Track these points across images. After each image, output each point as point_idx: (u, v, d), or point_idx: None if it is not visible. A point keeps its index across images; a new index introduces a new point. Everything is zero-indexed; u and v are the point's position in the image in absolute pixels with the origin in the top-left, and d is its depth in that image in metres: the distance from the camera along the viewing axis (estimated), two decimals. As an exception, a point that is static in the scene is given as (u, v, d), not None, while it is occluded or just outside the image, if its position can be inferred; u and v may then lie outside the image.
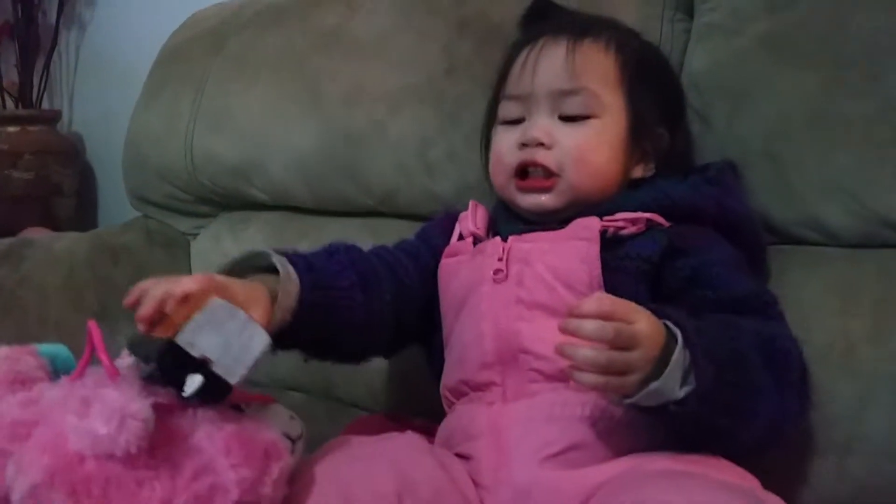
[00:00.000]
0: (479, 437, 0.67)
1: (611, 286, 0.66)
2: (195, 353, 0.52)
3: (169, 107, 1.19)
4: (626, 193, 0.74)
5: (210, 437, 0.53)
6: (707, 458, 0.62)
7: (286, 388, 1.03)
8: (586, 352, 0.56)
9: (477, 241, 0.76)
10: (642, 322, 0.57)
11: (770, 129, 0.81)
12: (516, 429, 0.65)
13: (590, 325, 0.56)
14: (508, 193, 0.77)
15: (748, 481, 0.62)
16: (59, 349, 0.72)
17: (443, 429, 0.72)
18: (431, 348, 0.79)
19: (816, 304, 0.76)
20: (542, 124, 0.74)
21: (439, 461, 0.65)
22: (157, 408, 0.52)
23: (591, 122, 0.74)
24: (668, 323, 0.59)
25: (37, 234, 1.53)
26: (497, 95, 0.80)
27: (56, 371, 0.68)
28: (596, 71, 0.74)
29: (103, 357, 0.55)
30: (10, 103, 1.65)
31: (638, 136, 0.75)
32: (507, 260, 0.71)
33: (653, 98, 0.77)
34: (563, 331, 0.57)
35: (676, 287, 0.68)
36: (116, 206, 1.29)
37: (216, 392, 0.53)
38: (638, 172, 0.76)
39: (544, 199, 0.74)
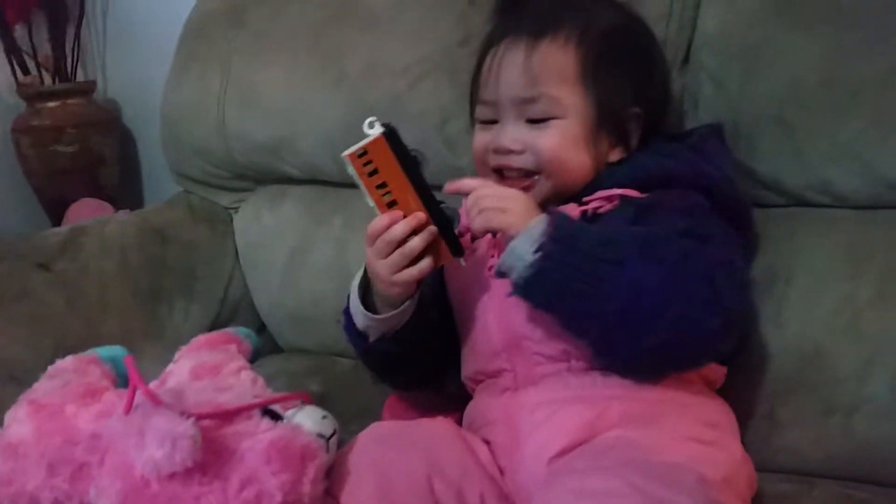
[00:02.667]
0: (496, 423, 0.73)
1: None
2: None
3: (198, 85, 1.22)
4: (604, 173, 0.77)
5: (251, 448, 0.61)
6: (669, 412, 0.67)
7: (334, 355, 1.11)
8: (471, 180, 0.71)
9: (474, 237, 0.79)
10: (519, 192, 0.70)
11: (782, 92, 0.83)
12: (526, 414, 0.71)
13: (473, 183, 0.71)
14: None
15: (714, 430, 0.68)
16: (117, 351, 0.80)
17: (467, 414, 0.79)
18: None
19: (826, 269, 0.79)
20: (511, 132, 0.76)
21: (467, 445, 0.72)
22: (201, 426, 0.59)
23: (556, 123, 0.75)
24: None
25: (88, 208, 1.61)
26: (473, 94, 0.83)
27: (118, 373, 0.76)
28: (554, 73, 0.75)
29: (144, 389, 0.61)
30: (47, 78, 1.68)
31: (607, 124, 0.76)
32: (498, 254, 0.73)
33: (622, 81, 0.77)
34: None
35: None
36: (158, 169, 1.34)
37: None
38: (615, 156, 0.78)
39: None
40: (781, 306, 0.80)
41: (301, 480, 0.61)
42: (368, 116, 1.07)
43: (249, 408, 0.64)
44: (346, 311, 0.80)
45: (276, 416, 0.66)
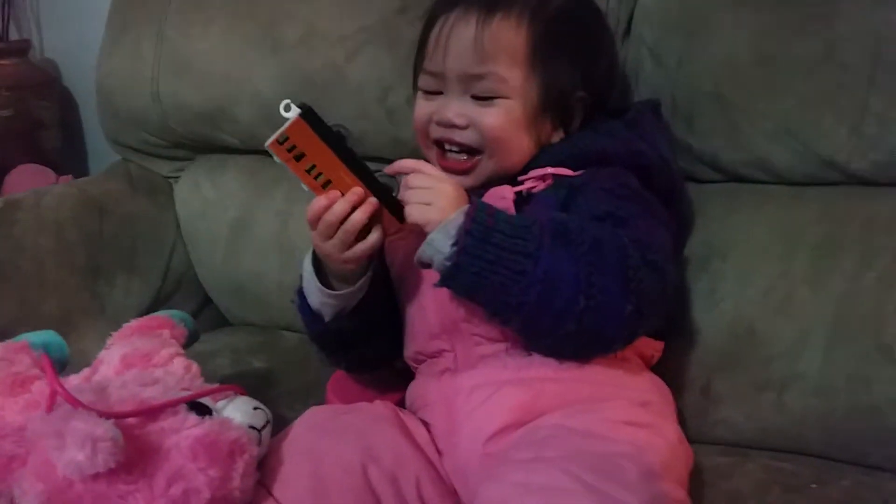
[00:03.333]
0: (434, 405, 0.74)
1: None
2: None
3: (132, 53, 1.17)
4: (540, 153, 0.76)
5: (177, 445, 0.60)
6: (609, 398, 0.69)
7: (281, 329, 1.10)
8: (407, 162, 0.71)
9: None
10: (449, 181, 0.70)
11: (719, 69, 0.82)
12: (463, 397, 0.72)
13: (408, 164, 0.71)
14: (430, 160, 0.79)
15: (649, 411, 0.69)
16: (48, 336, 0.78)
17: (409, 394, 0.79)
18: None
19: (761, 248, 0.80)
20: (455, 106, 0.75)
21: (404, 428, 0.72)
22: (121, 425, 0.58)
23: (501, 102, 0.74)
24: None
25: (28, 175, 1.56)
26: (417, 62, 0.80)
27: (53, 359, 0.72)
28: (504, 52, 0.73)
29: (62, 392, 0.60)
30: (-23, 38, 1.61)
31: (552, 107, 0.75)
32: None
33: (569, 66, 0.76)
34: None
35: None
36: (100, 131, 1.30)
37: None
38: (556, 137, 0.77)
39: (464, 180, 0.75)
40: (717, 283, 0.81)
41: (230, 476, 0.61)
42: (305, 85, 1.06)
43: (174, 403, 0.63)
44: (300, 292, 0.79)
45: (204, 410, 0.65)
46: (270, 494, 0.65)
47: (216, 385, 0.69)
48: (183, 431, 0.61)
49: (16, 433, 0.63)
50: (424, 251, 0.67)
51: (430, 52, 0.76)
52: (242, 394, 0.70)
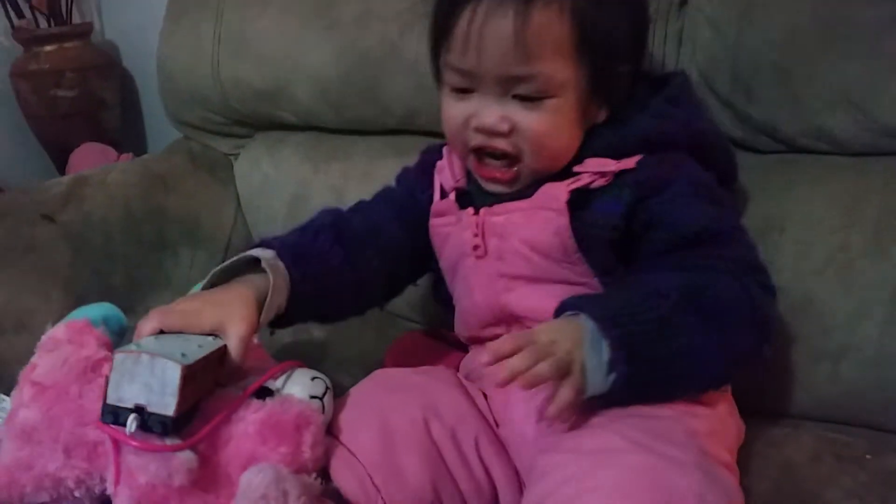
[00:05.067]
0: (490, 376, 0.74)
1: (586, 252, 0.69)
2: (127, 405, 0.56)
3: (192, 33, 1.20)
4: (589, 138, 0.70)
5: (245, 433, 0.61)
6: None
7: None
8: (529, 365, 0.59)
9: (460, 194, 0.77)
10: (542, 332, 0.60)
11: (779, 37, 0.80)
12: None
13: (516, 364, 0.58)
14: (467, 164, 0.74)
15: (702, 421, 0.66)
16: (106, 309, 0.77)
17: (465, 365, 0.80)
18: (435, 280, 0.85)
19: (819, 219, 0.79)
20: (496, 109, 0.67)
21: (465, 392, 0.74)
22: (191, 442, 0.58)
23: (550, 103, 0.67)
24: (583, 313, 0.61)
25: (91, 153, 1.61)
26: (437, 50, 0.71)
27: (112, 332, 0.73)
28: (549, 46, 0.65)
29: (130, 444, 0.58)
30: (42, 22, 1.67)
31: (600, 90, 0.69)
32: (482, 235, 0.72)
33: (614, 41, 0.69)
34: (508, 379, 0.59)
35: (637, 232, 0.69)
36: (160, 112, 1.34)
37: (166, 425, 0.56)
38: (602, 117, 0.71)
39: (507, 188, 0.72)
40: (774, 255, 0.80)
41: (301, 448, 0.62)
42: (362, 62, 1.07)
43: (236, 407, 0.62)
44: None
45: (264, 392, 0.66)
46: (341, 443, 0.66)
47: (271, 367, 0.69)
48: (248, 418, 0.62)
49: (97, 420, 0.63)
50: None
51: (459, 47, 0.67)
52: (300, 366, 0.70)
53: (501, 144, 0.69)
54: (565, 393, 0.59)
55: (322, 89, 1.10)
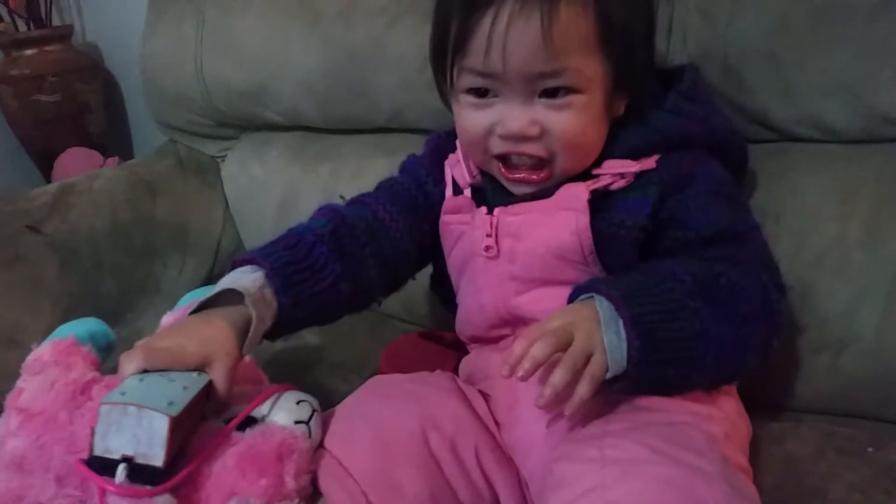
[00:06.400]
0: (496, 377, 0.72)
1: (604, 254, 0.68)
2: (115, 456, 0.55)
3: (174, 33, 1.19)
4: (612, 138, 0.70)
5: (225, 466, 0.59)
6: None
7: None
8: (555, 374, 0.59)
9: (475, 191, 0.76)
10: (555, 319, 0.60)
11: (770, 25, 0.79)
12: None
13: (537, 353, 0.58)
14: (489, 170, 0.73)
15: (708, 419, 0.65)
16: (93, 324, 0.75)
17: (464, 367, 0.79)
18: (434, 272, 0.84)
19: (815, 209, 0.78)
20: (523, 113, 0.66)
21: (464, 398, 0.72)
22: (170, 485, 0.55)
23: (576, 101, 0.66)
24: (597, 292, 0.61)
25: (76, 158, 1.59)
26: (444, 55, 0.69)
27: (99, 349, 0.72)
28: (577, 43, 0.64)
29: (112, 490, 0.55)
30: (21, 26, 1.64)
31: (623, 83, 0.68)
32: (495, 235, 0.71)
33: (634, 31, 0.68)
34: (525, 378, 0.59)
35: (657, 230, 0.68)
36: (145, 115, 1.32)
37: (152, 475, 0.55)
38: (620, 109, 0.71)
39: (535, 187, 0.70)
40: (771, 245, 0.78)
41: (283, 480, 0.60)
42: (348, 58, 1.06)
43: (219, 442, 0.60)
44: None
45: (246, 423, 0.63)
46: (334, 458, 0.64)
47: (259, 392, 0.66)
48: (227, 452, 0.60)
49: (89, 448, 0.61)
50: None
51: (479, 50, 0.65)
52: (288, 389, 0.68)
53: (531, 149, 0.68)
54: (592, 373, 0.59)
55: (307, 87, 1.08)
